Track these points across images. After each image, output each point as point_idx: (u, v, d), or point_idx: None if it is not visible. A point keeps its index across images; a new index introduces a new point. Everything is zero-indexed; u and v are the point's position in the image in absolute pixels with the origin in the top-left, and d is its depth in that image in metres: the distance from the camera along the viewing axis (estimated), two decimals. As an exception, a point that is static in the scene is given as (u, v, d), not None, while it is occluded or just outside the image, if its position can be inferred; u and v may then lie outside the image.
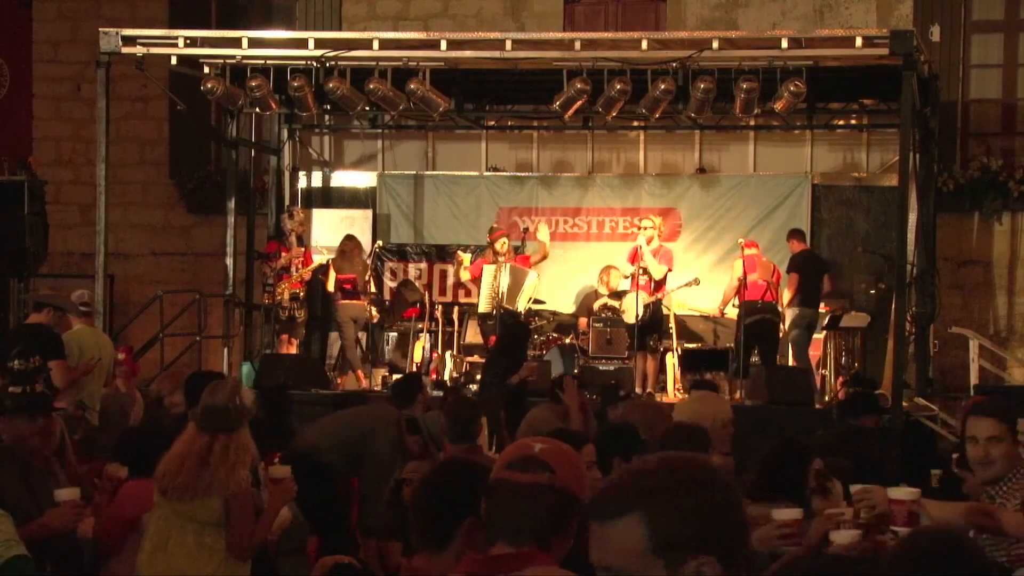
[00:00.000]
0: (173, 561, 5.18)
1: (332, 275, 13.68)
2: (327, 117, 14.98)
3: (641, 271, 12.97)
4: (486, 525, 2.84)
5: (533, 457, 2.83)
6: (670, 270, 13.23)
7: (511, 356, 10.85)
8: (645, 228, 13.28)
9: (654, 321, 13.06)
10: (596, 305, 13.48)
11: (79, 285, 12.52)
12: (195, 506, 5.16)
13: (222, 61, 12.56)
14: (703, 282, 13.55)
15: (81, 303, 10.07)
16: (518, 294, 13.07)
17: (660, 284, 13.15)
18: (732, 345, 13.27)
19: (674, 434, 5.39)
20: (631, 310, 12.98)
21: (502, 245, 13.31)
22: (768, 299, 12.93)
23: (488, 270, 13.17)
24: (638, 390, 12.70)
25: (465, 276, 13.78)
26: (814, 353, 13.17)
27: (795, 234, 13.41)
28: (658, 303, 13.13)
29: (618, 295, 13.44)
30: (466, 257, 13.78)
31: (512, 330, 11.62)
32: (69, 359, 9.18)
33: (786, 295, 13.02)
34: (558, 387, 8.64)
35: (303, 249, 13.89)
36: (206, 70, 12.73)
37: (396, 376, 11.59)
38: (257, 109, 13.34)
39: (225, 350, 13.89)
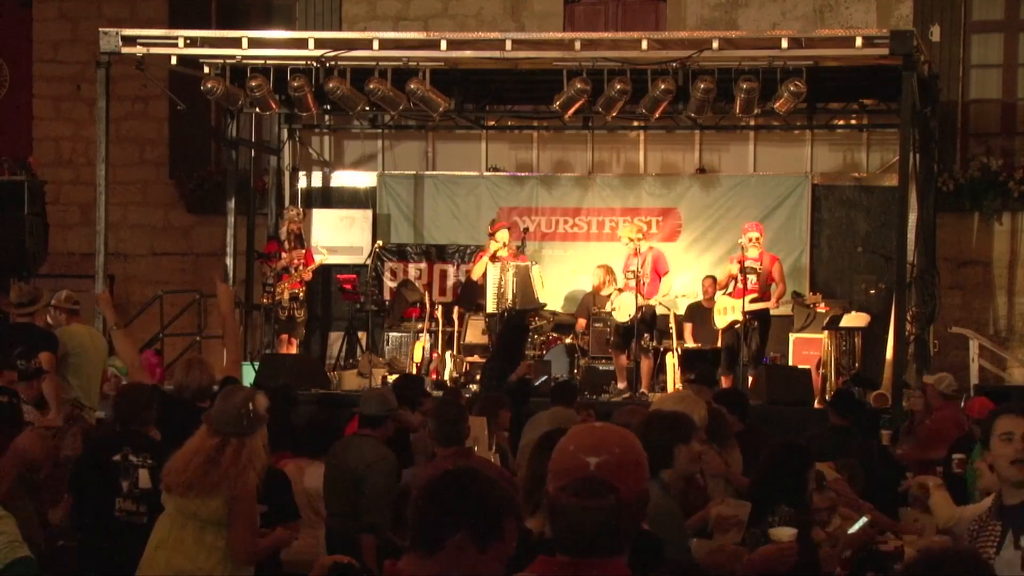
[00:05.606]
0: (172, 558, 5.18)
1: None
2: (327, 117, 14.98)
3: (633, 275, 12.86)
4: (554, 541, 2.75)
5: (593, 478, 2.69)
6: (667, 272, 13.16)
7: (508, 358, 10.83)
8: (629, 240, 12.98)
9: (648, 321, 12.99)
10: (595, 306, 13.44)
11: (79, 285, 12.52)
12: (197, 503, 5.16)
13: (222, 61, 12.56)
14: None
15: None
16: (534, 291, 12.93)
17: (652, 288, 13.05)
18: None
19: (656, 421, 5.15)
20: (622, 309, 12.88)
21: (503, 236, 13.18)
22: None
23: (492, 271, 13.05)
24: (620, 385, 12.68)
25: (477, 273, 13.57)
26: (814, 353, 13.15)
27: None
28: (651, 306, 13.03)
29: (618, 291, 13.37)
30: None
31: (507, 332, 11.58)
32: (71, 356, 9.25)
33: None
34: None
35: (303, 250, 13.89)
36: (206, 70, 12.73)
37: (395, 376, 11.54)
38: (257, 109, 13.33)
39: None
